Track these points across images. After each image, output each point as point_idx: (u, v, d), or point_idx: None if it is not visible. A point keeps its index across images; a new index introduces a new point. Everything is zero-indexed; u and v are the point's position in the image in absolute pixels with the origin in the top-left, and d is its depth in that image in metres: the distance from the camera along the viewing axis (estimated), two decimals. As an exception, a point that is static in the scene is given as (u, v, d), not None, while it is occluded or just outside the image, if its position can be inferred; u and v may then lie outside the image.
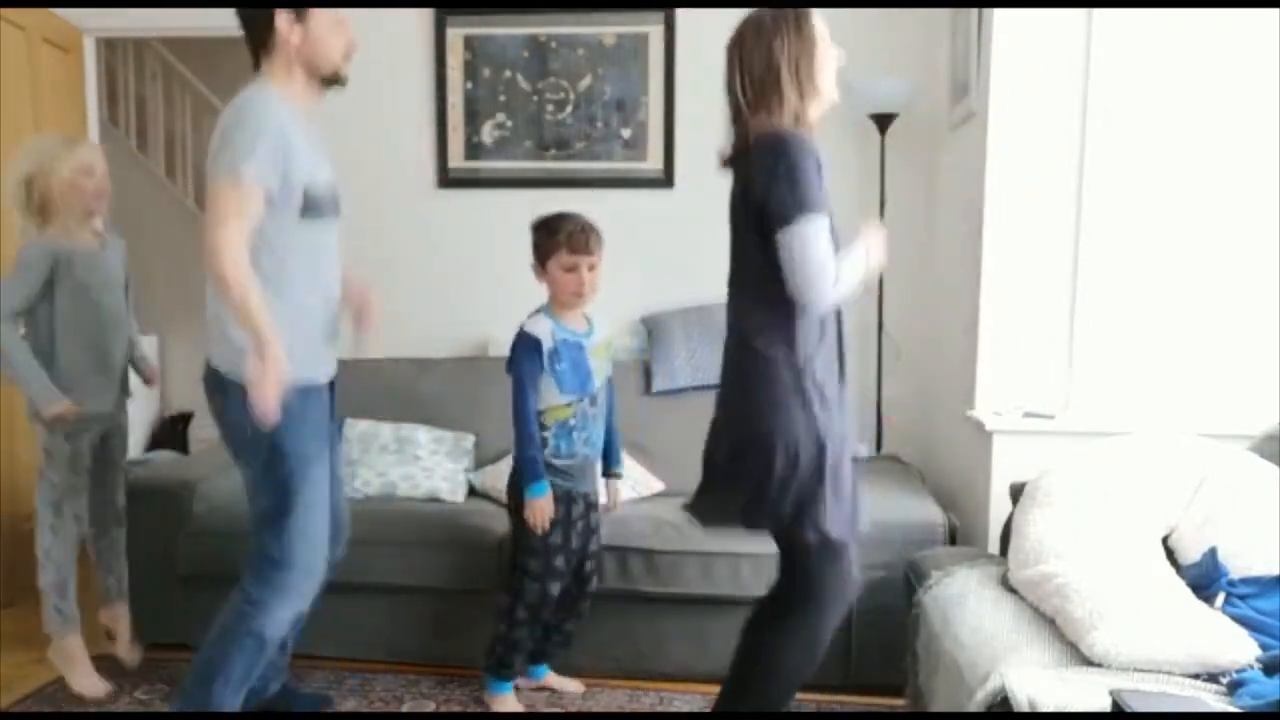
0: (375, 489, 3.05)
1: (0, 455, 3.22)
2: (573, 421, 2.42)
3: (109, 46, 5.26)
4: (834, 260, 1.85)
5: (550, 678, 2.64)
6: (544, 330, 2.40)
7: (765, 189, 1.84)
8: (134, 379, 2.84)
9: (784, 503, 1.89)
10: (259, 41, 2.10)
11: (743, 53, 1.92)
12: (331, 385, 2.26)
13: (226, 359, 2.07)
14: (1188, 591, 1.84)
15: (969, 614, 1.97)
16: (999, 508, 2.50)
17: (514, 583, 2.44)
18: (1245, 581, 1.90)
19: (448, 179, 3.69)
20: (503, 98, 3.64)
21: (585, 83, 3.60)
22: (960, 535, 2.63)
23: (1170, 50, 2.54)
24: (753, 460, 1.90)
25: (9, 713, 2.49)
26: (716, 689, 2.19)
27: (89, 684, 2.59)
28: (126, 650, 2.79)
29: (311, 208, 2.07)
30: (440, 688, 2.66)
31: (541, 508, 2.37)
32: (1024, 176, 2.66)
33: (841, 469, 1.93)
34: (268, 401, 1.91)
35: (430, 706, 2.56)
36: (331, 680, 2.68)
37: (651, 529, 2.69)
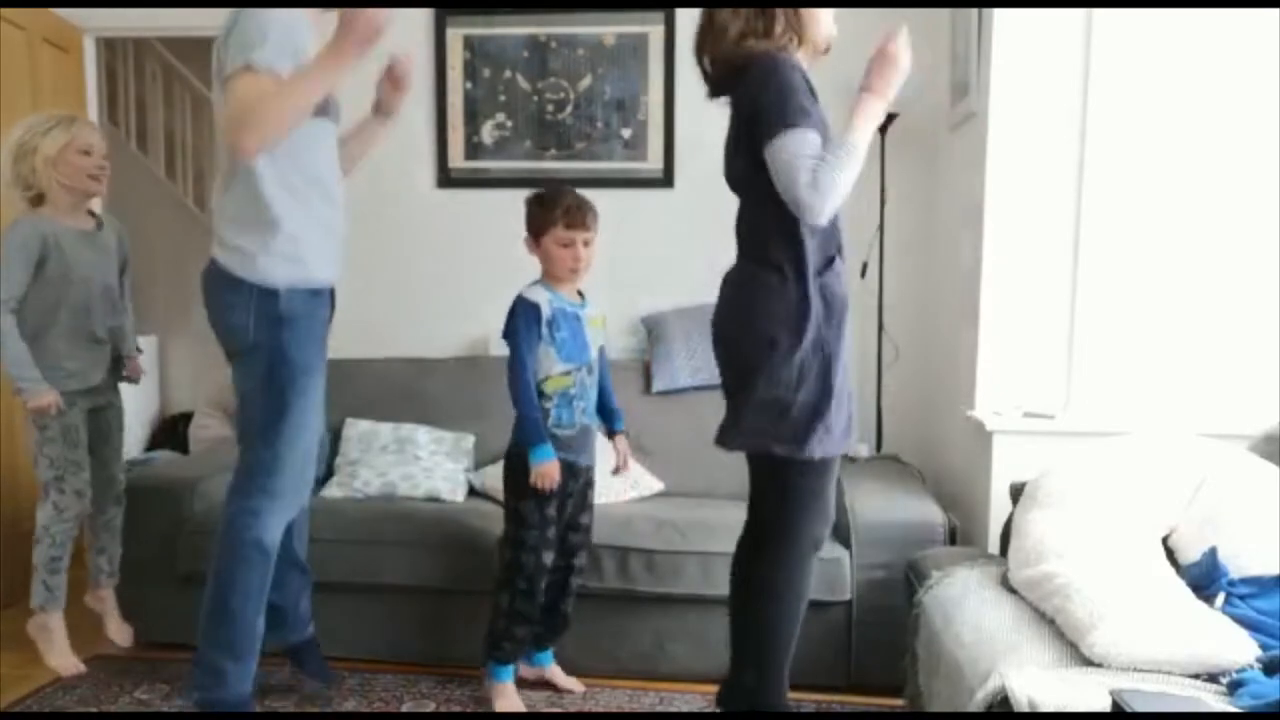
0: (375, 489, 3.05)
1: (0, 456, 3.22)
2: (573, 390, 2.42)
3: (109, 46, 5.25)
4: (826, 168, 1.85)
5: (554, 671, 2.64)
6: (542, 298, 2.40)
7: (754, 105, 1.90)
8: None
9: (789, 419, 1.93)
10: None
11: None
12: (332, 294, 2.31)
13: (236, 262, 2.11)
14: (1188, 591, 1.84)
15: (969, 614, 1.97)
16: (999, 508, 2.50)
17: (510, 557, 2.44)
18: (1245, 581, 1.90)
19: (448, 179, 3.69)
20: (503, 98, 3.64)
21: (585, 83, 3.60)
22: (960, 535, 2.63)
23: (1170, 50, 2.54)
24: (760, 377, 1.95)
25: (8, 713, 2.49)
26: (717, 689, 2.19)
27: (63, 662, 2.59)
28: (116, 631, 2.79)
29: (319, 107, 2.10)
30: (440, 688, 2.65)
31: (548, 471, 2.35)
32: (1024, 176, 2.66)
33: (844, 387, 1.98)
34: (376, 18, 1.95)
35: (430, 706, 2.56)
36: (331, 680, 2.67)
37: (651, 529, 2.69)
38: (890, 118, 3.26)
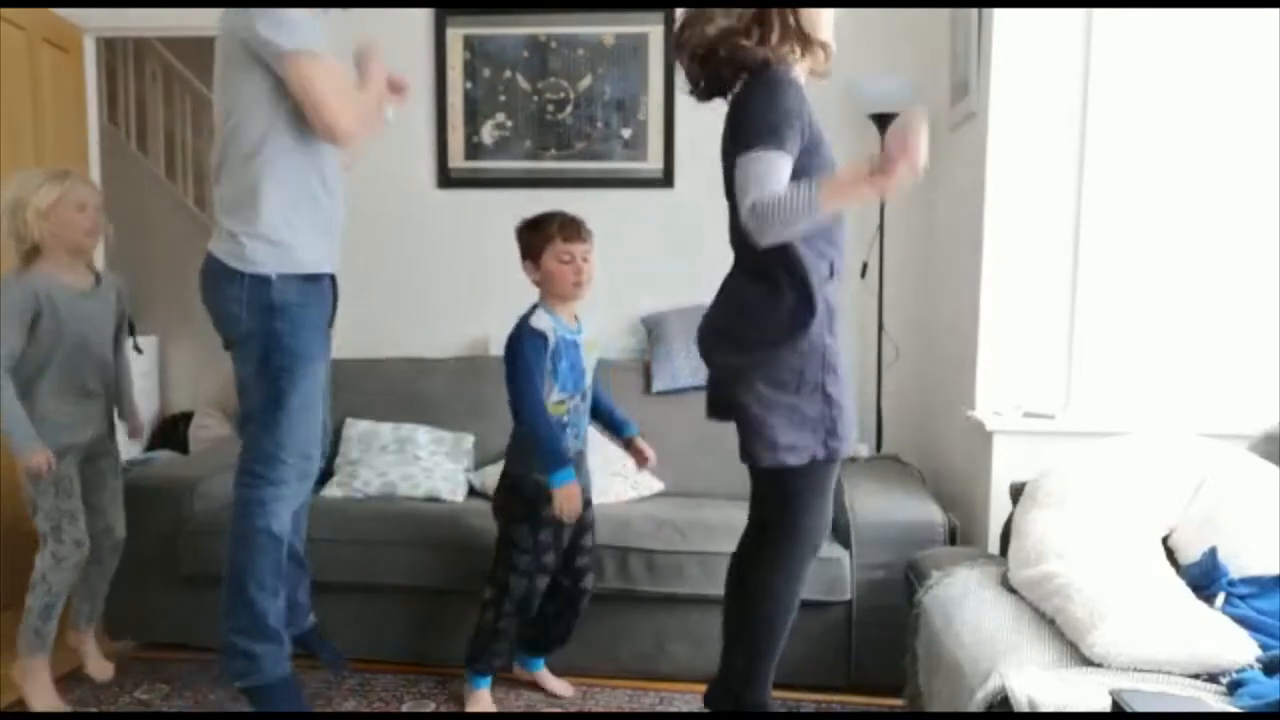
0: (375, 489, 3.05)
1: (0, 456, 3.21)
2: (566, 419, 2.42)
3: (109, 46, 5.26)
4: (776, 204, 1.77)
5: (544, 675, 2.64)
6: (547, 326, 2.39)
7: (739, 113, 1.88)
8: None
9: (786, 429, 1.91)
10: None
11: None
12: (333, 280, 2.34)
13: (228, 250, 2.16)
14: (1188, 591, 1.84)
15: (969, 614, 1.97)
16: (999, 508, 2.50)
17: (500, 577, 2.43)
18: (1245, 581, 1.90)
19: (448, 179, 3.69)
20: (503, 98, 3.64)
21: (585, 83, 3.60)
22: (960, 535, 2.63)
23: (1170, 50, 2.54)
24: (754, 388, 1.93)
25: (8, 713, 2.49)
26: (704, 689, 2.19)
27: (47, 703, 2.56)
28: (95, 667, 2.73)
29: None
30: (440, 688, 2.66)
31: (571, 495, 2.32)
32: (1024, 176, 2.66)
33: (839, 393, 1.95)
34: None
35: (430, 706, 2.56)
36: (332, 680, 2.67)
37: (651, 529, 2.69)
38: (890, 117, 3.27)
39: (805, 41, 1.93)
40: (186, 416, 4.83)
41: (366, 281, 3.55)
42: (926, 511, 2.61)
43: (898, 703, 2.42)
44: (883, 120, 3.27)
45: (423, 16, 3.62)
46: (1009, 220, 2.68)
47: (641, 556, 2.64)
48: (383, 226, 3.64)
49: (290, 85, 2.09)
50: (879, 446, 3.43)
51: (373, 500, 3.01)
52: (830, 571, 2.52)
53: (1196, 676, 1.65)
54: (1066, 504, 2.06)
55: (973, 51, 2.85)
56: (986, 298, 2.71)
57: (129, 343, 2.76)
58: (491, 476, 3.06)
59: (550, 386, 2.39)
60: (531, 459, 2.37)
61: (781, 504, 2.02)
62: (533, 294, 2.49)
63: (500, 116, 3.65)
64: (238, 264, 2.15)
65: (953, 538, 2.57)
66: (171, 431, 4.85)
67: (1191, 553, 2.00)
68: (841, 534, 2.61)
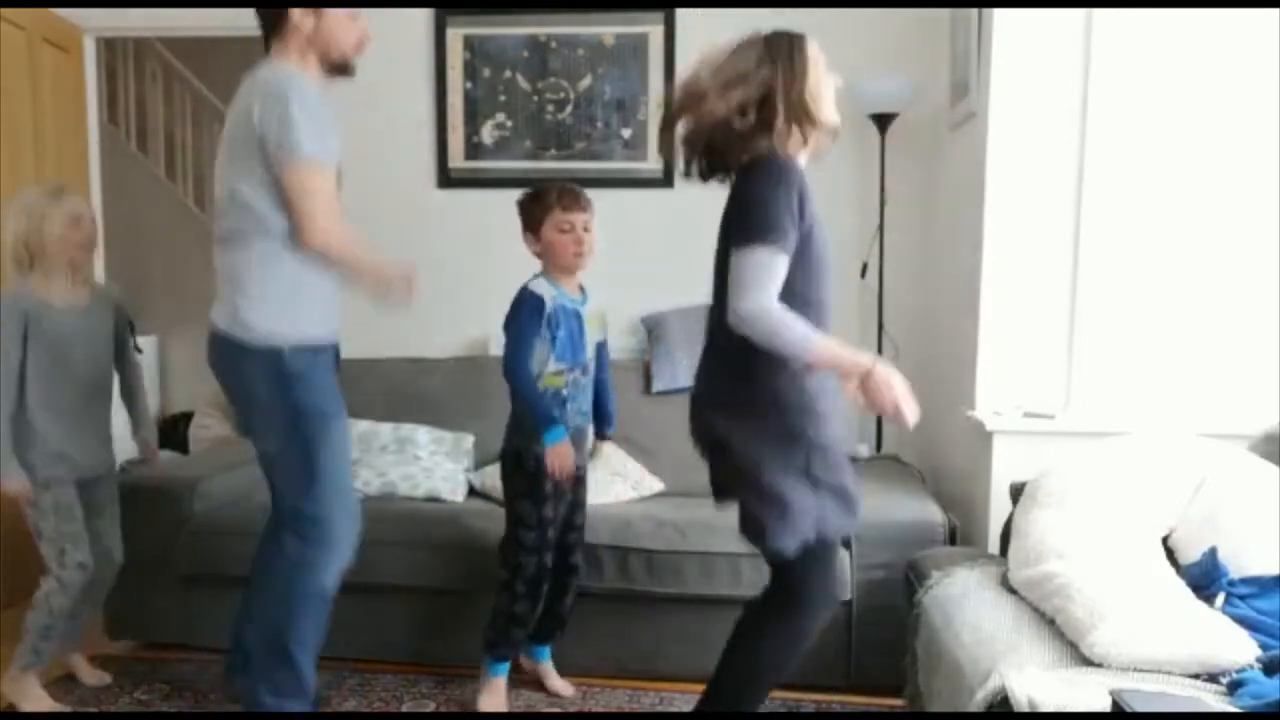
0: (375, 489, 3.05)
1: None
2: (565, 391, 2.41)
3: (109, 46, 5.26)
4: (785, 328, 1.76)
5: (547, 670, 2.64)
6: (547, 292, 2.38)
7: (738, 205, 1.86)
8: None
9: (767, 517, 1.87)
10: (273, 25, 2.13)
11: (739, 76, 1.87)
12: (336, 348, 2.32)
13: (239, 327, 2.11)
14: (1188, 591, 1.84)
15: (969, 614, 1.97)
16: (999, 508, 2.50)
17: (511, 558, 2.42)
18: (1245, 581, 1.90)
19: (448, 179, 3.69)
20: (503, 98, 3.64)
21: (585, 83, 3.60)
22: (960, 535, 2.63)
23: (1170, 50, 2.54)
24: (737, 477, 1.90)
25: (8, 713, 2.49)
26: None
27: (40, 707, 2.54)
28: (90, 677, 2.72)
29: (338, 175, 2.16)
30: (440, 688, 2.66)
31: (562, 453, 2.32)
32: (1024, 176, 2.66)
33: (831, 476, 1.90)
34: (408, 286, 2.17)
35: (430, 706, 2.56)
36: (331, 680, 2.67)
37: (651, 529, 2.69)
38: (890, 117, 3.27)
39: (810, 122, 1.87)
40: (186, 416, 4.82)
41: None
42: (926, 511, 2.62)
43: (898, 703, 2.42)
44: (883, 120, 3.27)
45: (423, 16, 3.62)
46: (1009, 220, 2.68)
47: (641, 556, 2.64)
48: (383, 226, 3.62)
49: (288, 190, 2.05)
50: (879, 446, 3.43)
51: (372, 500, 3.01)
52: (830, 571, 2.52)
53: (1196, 676, 1.65)
54: (1066, 504, 2.06)
55: (973, 51, 2.85)
56: (986, 298, 2.71)
57: (135, 356, 2.71)
58: (491, 476, 3.06)
59: (547, 355, 2.38)
60: (531, 430, 2.36)
61: (782, 580, 1.98)
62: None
63: (500, 116, 3.65)
64: (248, 337, 2.10)
65: (953, 538, 2.57)
66: (171, 431, 4.84)
67: (1191, 553, 2.00)
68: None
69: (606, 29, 3.57)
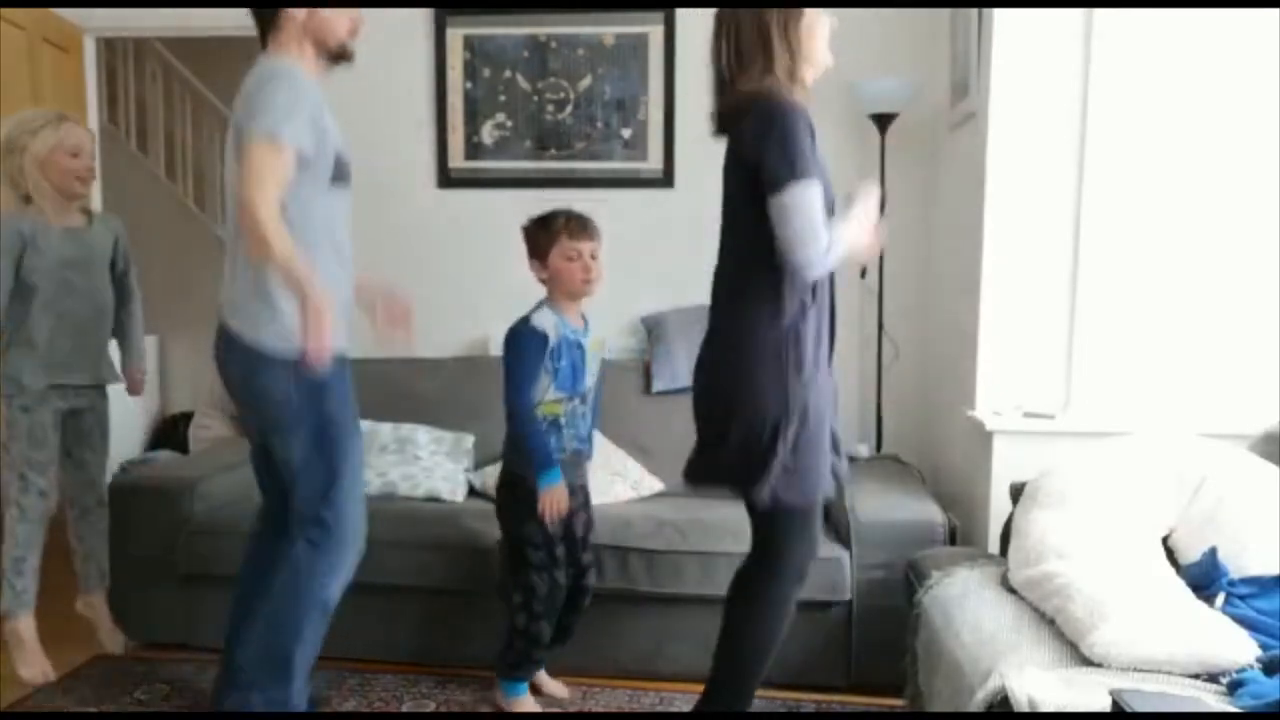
0: (375, 489, 3.04)
1: None
2: (563, 420, 2.41)
3: (109, 46, 5.26)
4: (826, 227, 1.87)
5: (541, 676, 2.62)
6: (550, 325, 2.38)
7: (758, 154, 1.88)
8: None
9: (753, 470, 1.94)
10: (267, 16, 2.12)
11: (735, 19, 1.95)
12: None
13: (268, 337, 2.05)
14: (1188, 591, 1.84)
15: (969, 614, 1.97)
16: (999, 508, 2.50)
17: (521, 580, 2.41)
18: (1245, 581, 1.90)
19: (448, 179, 3.69)
20: (503, 98, 3.64)
21: (585, 83, 3.60)
22: (960, 535, 2.63)
23: (1170, 50, 2.54)
24: (728, 425, 1.97)
25: (8, 713, 2.49)
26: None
27: (33, 672, 2.55)
28: (108, 637, 2.76)
29: (339, 175, 2.11)
30: (440, 688, 2.65)
31: (557, 497, 2.32)
32: (1024, 176, 2.66)
33: (815, 441, 1.97)
34: (324, 352, 1.90)
35: (430, 706, 2.56)
36: (331, 680, 2.67)
37: (651, 529, 2.69)
38: (890, 118, 3.27)
39: (802, 57, 1.94)
40: (186, 416, 4.82)
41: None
42: (926, 511, 2.61)
43: (898, 703, 2.42)
44: (883, 120, 3.27)
45: (423, 16, 3.62)
46: (1009, 220, 2.68)
47: (641, 556, 2.64)
48: (383, 226, 3.64)
49: (243, 165, 1.95)
50: (879, 446, 3.43)
51: (372, 500, 2.99)
52: (830, 571, 2.52)
53: (1196, 676, 1.65)
54: (1066, 504, 2.06)
55: (973, 51, 2.85)
56: (986, 298, 2.71)
57: (133, 284, 2.74)
58: (491, 476, 3.05)
59: (548, 385, 2.39)
60: (528, 458, 2.37)
61: (767, 539, 2.09)
62: (532, 293, 2.48)
63: (500, 116, 3.65)
64: (280, 347, 2.04)
65: (953, 538, 2.57)
66: (171, 431, 4.85)
67: (1191, 553, 2.00)
68: (841, 534, 2.61)
69: (606, 29, 3.57)
